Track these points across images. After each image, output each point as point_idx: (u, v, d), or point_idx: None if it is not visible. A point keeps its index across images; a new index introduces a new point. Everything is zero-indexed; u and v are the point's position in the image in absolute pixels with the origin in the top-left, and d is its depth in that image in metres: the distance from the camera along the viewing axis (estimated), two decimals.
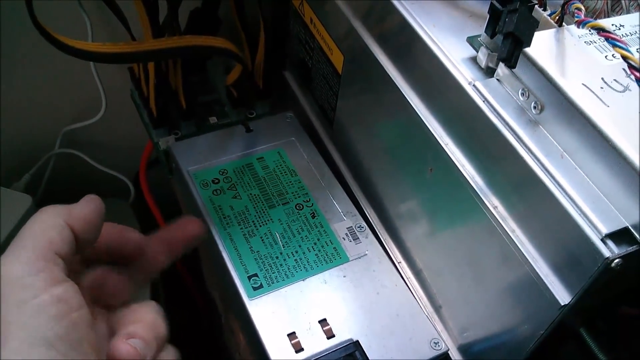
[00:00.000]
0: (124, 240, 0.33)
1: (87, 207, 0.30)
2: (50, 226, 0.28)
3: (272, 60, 0.59)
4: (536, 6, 0.34)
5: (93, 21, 0.59)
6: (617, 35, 0.31)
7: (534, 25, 0.30)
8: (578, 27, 0.31)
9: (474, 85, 0.34)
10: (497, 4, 0.32)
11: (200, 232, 0.37)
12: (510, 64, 0.30)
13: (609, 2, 0.37)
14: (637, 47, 0.33)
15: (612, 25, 0.34)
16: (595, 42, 0.33)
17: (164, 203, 0.63)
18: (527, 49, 0.32)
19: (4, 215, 0.58)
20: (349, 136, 0.51)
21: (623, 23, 0.35)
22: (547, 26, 0.35)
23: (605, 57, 0.32)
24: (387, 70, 0.42)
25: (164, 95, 0.55)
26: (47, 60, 0.63)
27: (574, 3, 0.32)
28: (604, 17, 0.37)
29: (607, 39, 0.28)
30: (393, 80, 0.41)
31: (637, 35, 0.34)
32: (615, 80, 0.31)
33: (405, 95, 0.40)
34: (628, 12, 0.37)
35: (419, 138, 0.39)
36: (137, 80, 0.59)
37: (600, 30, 0.28)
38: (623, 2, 0.37)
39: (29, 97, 0.67)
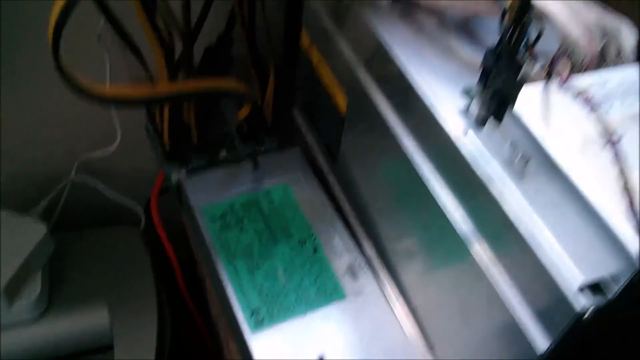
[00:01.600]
0: None
1: None
2: None
3: (281, 97, 0.61)
4: (527, 59, 0.36)
5: (112, 52, 0.62)
6: (592, 99, 0.33)
7: (520, 85, 0.32)
8: (561, 85, 0.33)
9: (465, 136, 0.36)
10: (488, 59, 0.34)
11: None
12: (497, 120, 0.32)
13: (597, 51, 0.38)
14: (625, 101, 0.35)
15: (597, 81, 0.36)
16: (579, 99, 0.35)
17: (175, 230, 0.66)
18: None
19: (19, 242, 0.61)
20: (351, 173, 0.53)
21: (608, 78, 0.37)
22: (537, 79, 0.36)
23: (587, 113, 0.34)
24: (385, 115, 0.44)
25: (177, 130, 0.58)
26: (67, 91, 0.66)
27: (561, 60, 0.34)
28: (594, 70, 0.39)
29: (585, 102, 0.30)
30: (390, 126, 0.43)
31: (622, 89, 0.36)
32: (597, 136, 0.33)
33: (401, 142, 0.42)
34: (615, 64, 0.39)
35: (412, 182, 0.41)
36: (151, 115, 0.61)
37: (577, 93, 0.30)
38: (611, 52, 0.39)
39: (48, 125, 0.70)
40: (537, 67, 0.36)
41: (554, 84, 0.34)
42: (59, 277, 0.68)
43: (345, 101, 0.50)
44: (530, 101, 0.34)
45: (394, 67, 0.42)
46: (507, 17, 0.33)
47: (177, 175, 0.57)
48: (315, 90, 0.57)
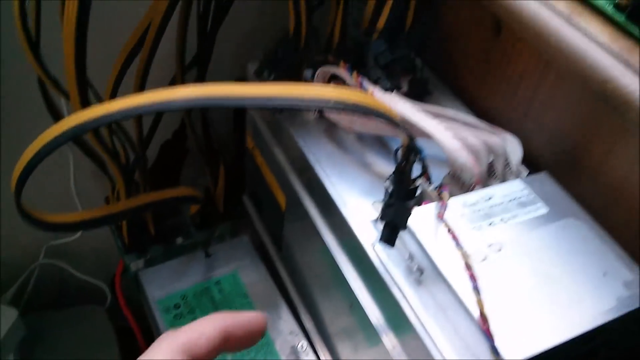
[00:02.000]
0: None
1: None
2: None
3: (231, 187, 0.67)
4: (422, 180, 0.43)
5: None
6: (477, 215, 0.40)
7: (409, 213, 0.38)
8: (442, 210, 0.39)
9: (373, 248, 0.43)
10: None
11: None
12: (390, 244, 0.38)
13: (484, 170, 0.45)
14: (505, 216, 0.42)
15: (483, 197, 0.43)
16: (466, 215, 0.41)
17: (141, 304, 0.71)
18: (409, 222, 0.40)
19: None
20: (294, 261, 0.59)
21: (493, 194, 0.43)
22: (431, 198, 0.43)
23: (473, 228, 0.41)
24: (313, 219, 0.50)
25: (135, 224, 0.63)
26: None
27: (443, 191, 0.41)
28: (482, 186, 0.45)
29: (452, 237, 0.36)
30: (318, 229, 0.49)
31: (506, 203, 0.43)
32: (477, 250, 0.39)
33: (328, 245, 0.48)
34: (502, 179, 0.46)
35: (340, 280, 0.47)
36: None
37: (448, 230, 0.36)
38: (497, 168, 0.46)
39: (16, 216, 0.75)
40: (431, 188, 0.43)
41: (444, 204, 0.41)
42: (30, 359, 0.72)
43: (284, 200, 0.57)
44: (424, 218, 0.41)
45: (317, 178, 0.49)
46: (399, 153, 0.40)
47: (135, 266, 0.63)
48: (261, 184, 0.63)
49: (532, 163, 0.49)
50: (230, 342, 0.29)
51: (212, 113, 0.64)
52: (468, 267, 0.34)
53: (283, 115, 0.54)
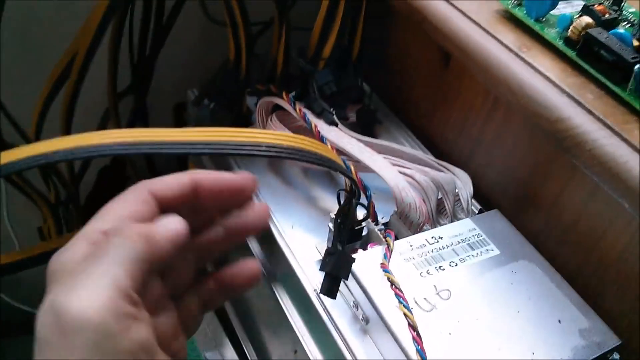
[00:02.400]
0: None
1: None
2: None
3: None
4: (368, 220, 0.41)
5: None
6: (424, 258, 0.38)
7: (350, 264, 0.36)
8: (385, 261, 0.37)
9: (317, 295, 0.40)
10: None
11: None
12: (332, 297, 0.36)
13: (433, 209, 0.43)
14: (454, 259, 0.40)
15: (431, 238, 0.41)
16: (413, 259, 0.39)
17: None
18: (354, 268, 0.37)
19: None
20: (241, 299, 0.56)
21: (442, 234, 0.41)
22: (378, 240, 0.41)
23: (420, 273, 0.38)
24: (257, 258, 0.47)
25: None
26: None
27: (388, 236, 0.38)
28: (431, 227, 0.43)
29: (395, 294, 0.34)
30: (262, 269, 0.46)
31: (456, 245, 0.41)
32: (425, 299, 0.37)
33: (273, 287, 0.45)
34: (452, 216, 0.44)
35: (285, 324, 0.44)
36: None
37: (391, 284, 0.34)
38: (447, 206, 0.44)
39: None
40: (378, 228, 0.41)
41: (388, 253, 0.38)
42: None
43: None
44: (369, 263, 0.38)
45: None
46: (341, 196, 0.38)
47: None
48: None
49: (483, 199, 0.47)
50: (202, 195, 0.29)
51: None
52: (412, 327, 0.32)
53: None
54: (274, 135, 0.32)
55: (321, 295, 0.40)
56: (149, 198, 0.28)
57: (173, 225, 0.27)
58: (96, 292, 0.24)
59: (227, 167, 0.50)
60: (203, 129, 0.31)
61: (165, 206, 0.29)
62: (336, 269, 0.35)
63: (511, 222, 0.43)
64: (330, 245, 0.38)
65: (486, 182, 0.48)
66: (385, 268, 0.35)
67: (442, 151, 0.51)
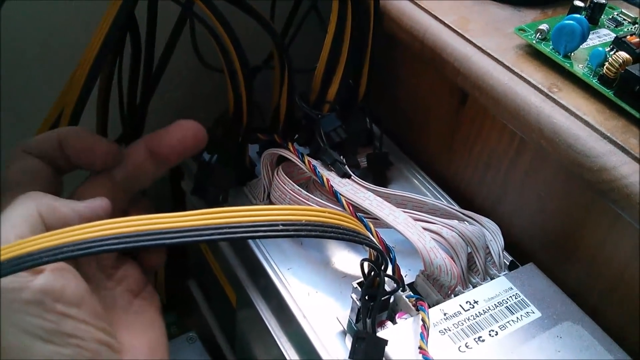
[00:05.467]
0: (92, 150, 0.34)
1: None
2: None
3: (174, 272, 0.60)
4: (400, 291, 0.37)
5: None
6: (460, 329, 0.34)
7: (383, 348, 0.32)
8: (423, 342, 0.33)
9: None
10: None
11: (198, 134, 0.36)
12: None
13: (464, 268, 0.39)
14: (493, 327, 0.36)
15: (465, 305, 0.37)
16: (449, 330, 0.35)
17: None
18: (387, 350, 0.33)
19: None
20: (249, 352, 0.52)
21: (477, 298, 0.37)
22: (407, 309, 0.37)
23: (459, 348, 0.34)
24: (270, 328, 0.43)
25: None
26: None
27: (422, 308, 0.34)
28: (462, 287, 0.39)
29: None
30: (277, 341, 0.42)
31: (493, 310, 0.37)
32: None
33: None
34: (484, 273, 0.40)
35: None
36: None
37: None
38: (478, 262, 0.40)
39: None
40: (406, 295, 0.37)
41: (425, 332, 0.34)
42: None
43: (235, 298, 0.49)
44: (403, 344, 0.34)
45: (272, 283, 0.42)
46: (365, 266, 0.34)
47: None
48: (209, 277, 0.55)
49: (511, 247, 0.43)
50: (67, 148, 0.33)
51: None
52: None
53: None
54: (290, 210, 0.28)
55: None
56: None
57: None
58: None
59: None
60: (210, 210, 0.27)
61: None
62: (369, 356, 0.31)
63: (548, 276, 0.39)
64: (357, 326, 0.34)
65: (515, 230, 0.44)
66: (425, 355, 0.31)
67: (462, 196, 0.48)
